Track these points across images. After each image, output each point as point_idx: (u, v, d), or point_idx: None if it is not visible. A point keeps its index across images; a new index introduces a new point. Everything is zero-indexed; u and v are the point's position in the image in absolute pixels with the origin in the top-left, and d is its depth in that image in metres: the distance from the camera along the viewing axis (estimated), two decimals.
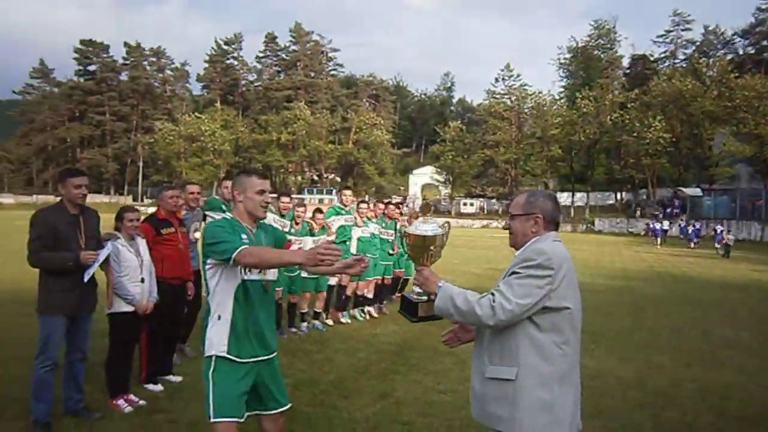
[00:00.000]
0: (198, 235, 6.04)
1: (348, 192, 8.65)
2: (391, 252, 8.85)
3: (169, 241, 5.28)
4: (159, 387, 5.19)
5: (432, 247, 2.55)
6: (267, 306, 2.95)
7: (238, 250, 2.65)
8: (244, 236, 2.82)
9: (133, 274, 4.71)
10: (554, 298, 2.31)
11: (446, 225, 2.71)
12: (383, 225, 8.87)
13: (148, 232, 5.13)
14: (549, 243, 2.42)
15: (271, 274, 2.95)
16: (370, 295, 8.66)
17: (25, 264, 4.29)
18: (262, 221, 3.00)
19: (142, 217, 5.21)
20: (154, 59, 78.41)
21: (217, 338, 2.78)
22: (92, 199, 51.58)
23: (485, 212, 62.99)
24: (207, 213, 6.46)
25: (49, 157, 73.31)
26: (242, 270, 2.79)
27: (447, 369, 6.12)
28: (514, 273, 2.36)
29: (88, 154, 72.61)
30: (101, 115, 73.98)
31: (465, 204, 63.29)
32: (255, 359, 2.83)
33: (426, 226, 2.59)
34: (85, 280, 4.23)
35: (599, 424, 4.55)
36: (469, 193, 65.72)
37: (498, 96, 66.72)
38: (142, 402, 4.76)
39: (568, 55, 77.94)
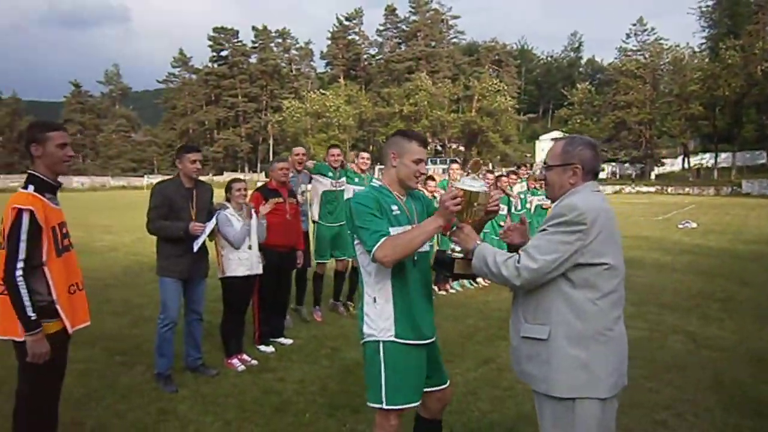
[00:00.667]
0: (301, 199, 6.73)
1: (454, 166, 8.74)
2: (502, 223, 8.86)
3: (277, 211, 5.81)
4: (271, 348, 5.89)
5: (476, 204, 2.60)
6: (423, 280, 2.83)
7: (377, 246, 2.59)
8: (394, 207, 2.78)
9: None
10: (587, 254, 2.31)
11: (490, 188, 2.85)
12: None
13: (258, 200, 5.70)
14: (584, 195, 2.40)
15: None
16: None
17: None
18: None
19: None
20: (280, 40, 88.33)
21: (378, 322, 2.72)
22: (228, 176, 60.74)
23: (617, 177, 64.34)
24: (313, 176, 7.16)
25: (191, 139, 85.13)
26: None
27: None
28: (544, 230, 2.38)
29: (223, 135, 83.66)
30: (234, 98, 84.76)
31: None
32: (422, 341, 2.79)
33: (474, 183, 2.64)
34: (195, 249, 4.84)
35: (715, 398, 4.57)
36: (600, 157, 67.35)
37: (630, 53, 67.31)
38: (254, 362, 5.44)
39: (710, 2, 76.50)
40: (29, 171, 3.08)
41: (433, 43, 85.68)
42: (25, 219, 2.86)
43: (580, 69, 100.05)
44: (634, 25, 68.66)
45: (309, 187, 7.22)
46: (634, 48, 67.62)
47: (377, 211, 2.70)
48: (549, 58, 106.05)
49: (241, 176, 61.44)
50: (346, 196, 7.32)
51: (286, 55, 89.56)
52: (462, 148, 73.34)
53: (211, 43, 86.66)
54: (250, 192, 5.75)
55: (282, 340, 6.20)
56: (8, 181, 55.86)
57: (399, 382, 2.73)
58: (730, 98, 55.42)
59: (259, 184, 6.39)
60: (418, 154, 2.80)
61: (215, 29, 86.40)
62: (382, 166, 3.05)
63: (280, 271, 6.08)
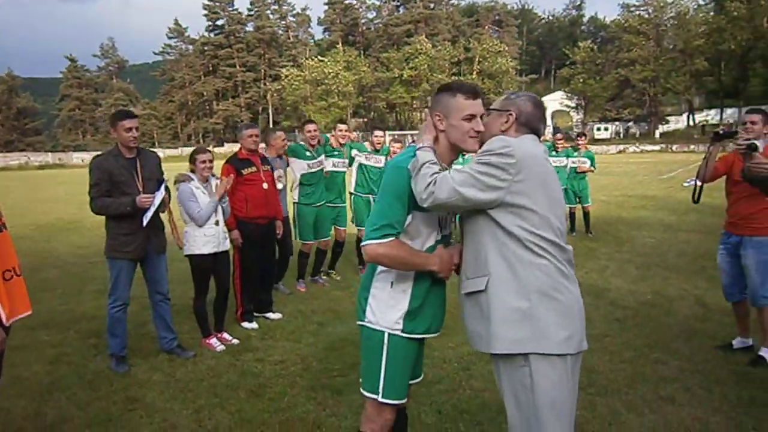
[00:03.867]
0: (279, 184, 6.38)
1: (379, 133, 7.88)
2: None
3: (252, 181, 5.52)
4: (255, 325, 5.59)
5: None
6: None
7: (380, 241, 2.27)
8: None
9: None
10: (516, 194, 2.12)
11: None
12: None
13: (230, 173, 5.33)
14: (518, 140, 2.24)
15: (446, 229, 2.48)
16: None
17: None
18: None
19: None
20: (276, 7, 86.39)
21: (385, 310, 2.40)
22: (230, 148, 60.40)
23: (621, 136, 63.80)
24: (291, 159, 6.85)
25: (190, 111, 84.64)
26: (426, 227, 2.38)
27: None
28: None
29: (222, 106, 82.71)
30: (232, 68, 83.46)
31: (599, 129, 64.10)
32: (429, 335, 2.51)
33: None
34: (144, 223, 4.46)
35: (727, 370, 4.31)
36: (604, 117, 66.39)
37: (633, 8, 65.75)
38: (235, 341, 5.17)
39: None
40: None
41: (432, 5, 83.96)
42: None
43: (583, 27, 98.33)
44: None
45: (287, 171, 6.98)
46: (637, 3, 65.99)
47: (406, 196, 2.29)
48: (550, 17, 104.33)
49: None
50: (326, 169, 7.15)
51: (283, 22, 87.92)
52: None
53: (206, 12, 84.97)
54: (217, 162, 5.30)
55: (270, 314, 5.95)
56: (8, 160, 55.54)
57: (398, 377, 2.46)
58: (735, 52, 55.12)
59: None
60: (469, 108, 2.31)
61: None
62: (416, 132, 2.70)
63: (263, 244, 5.77)
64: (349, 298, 6.56)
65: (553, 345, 2.12)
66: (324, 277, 7.47)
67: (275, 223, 5.96)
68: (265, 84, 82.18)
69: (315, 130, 6.93)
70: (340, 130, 7.52)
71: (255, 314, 5.84)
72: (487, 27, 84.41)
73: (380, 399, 2.44)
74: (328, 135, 7.55)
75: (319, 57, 72.92)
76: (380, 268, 2.42)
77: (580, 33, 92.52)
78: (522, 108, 2.37)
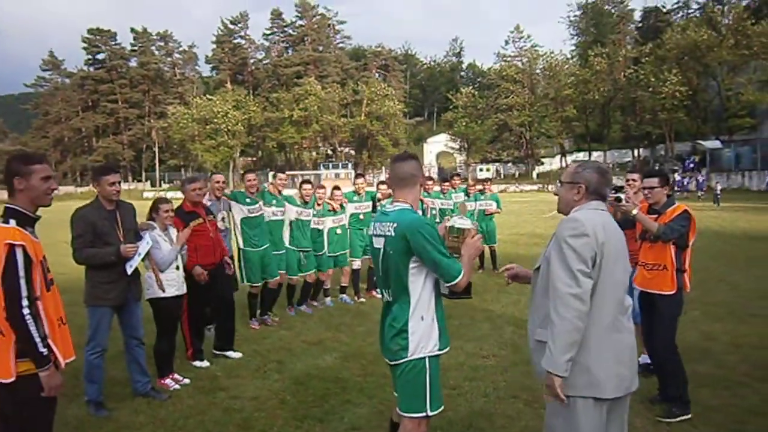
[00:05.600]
0: (222, 225, 6.82)
1: (360, 180, 9.22)
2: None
3: (200, 231, 5.84)
4: (206, 363, 5.93)
5: (465, 237, 3.14)
6: None
7: (463, 274, 2.93)
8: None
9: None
10: (598, 265, 2.60)
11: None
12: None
13: (178, 225, 5.64)
14: (584, 212, 2.72)
15: None
16: None
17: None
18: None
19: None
20: (162, 44, 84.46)
21: (426, 339, 3.00)
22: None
23: (502, 176, 67.46)
24: (232, 202, 7.24)
25: (66, 148, 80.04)
26: None
27: (486, 335, 6.77)
28: (557, 250, 2.64)
29: (103, 143, 78.98)
30: (114, 103, 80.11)
31: (481, 170, 67.11)
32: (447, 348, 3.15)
33: (464, 221, 3.17)
34: (129, 272, 4.77)
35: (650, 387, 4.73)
36: (485, 158, 70.28)
37: (509, 59, 70.86)
38: (186, 380, 5.46)
39: (578, 12, 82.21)
40: (7, 205, 3.00)
41: (320, 48, 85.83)
42: (19, 255, 2.81)
43: (462, 73, 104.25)
44: (512, 32, 72.01)
45: (229, 214, 7.31)
46: (513, 54, 71.23)
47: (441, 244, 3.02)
48: (433, 63, 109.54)
49: (125, 186, 58.37)
50: (266, 218, 7.55)
51: (169, 59, 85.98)
52: (353, 152, 74.21)
53: (86, 45, 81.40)
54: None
55: (231, 353, 6.28)
56: None
57: (438, 390, 3.08)
58: (599, 102, 60.60)
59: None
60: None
61: (90, 30, 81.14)
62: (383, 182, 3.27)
63: (214, 286, 6.08)
64: (297, 337, 7.06)
65: (606, 392, 2.64)
66: (269, 319, 7.80)
67: (224, 262, 6.28)
68: (149, 121, 79.59)
69: (254, 179, 7.39)
70: (280, 179, 7.90)
71: (215, 351, 6.24)
72: (374, 71, 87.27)
73: (429, 413, 3.04)
74: (266, 184, 7.97)
75: (207, 95, 71.86)
76: (411, 308, 3.02)
77: (460, 78, 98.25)
78: (589, 179, 2.80)
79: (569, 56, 70.59)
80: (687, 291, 4.77)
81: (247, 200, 7.27)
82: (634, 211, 4.71)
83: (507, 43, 72.53)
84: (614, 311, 2.67)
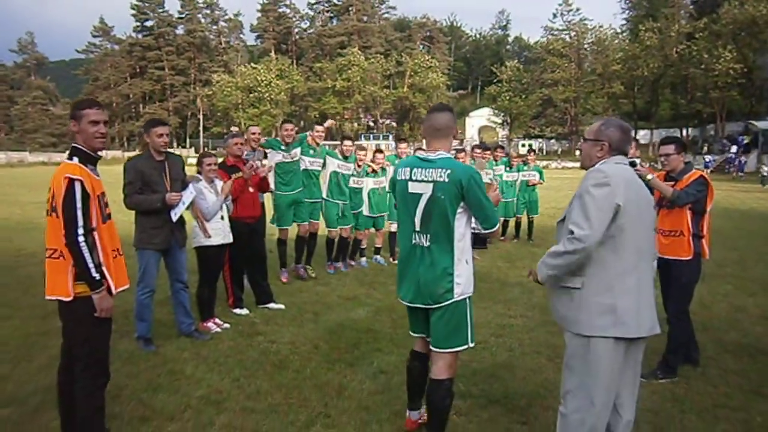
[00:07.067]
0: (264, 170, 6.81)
1: (403, 145, 9.62)
2: None
3: (239, 184, 6.16)
4: (245, 311, 6.35)
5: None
6: None
7: (498, 225, 3.26)
8: None
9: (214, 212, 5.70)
10: (620, 216, 2.75)
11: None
12: None
13: (223, 176, 5.97)
14: (608, 165, 2.87)
15: None
16: None
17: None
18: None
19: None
20: (208, 11, 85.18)
21: (467, 281, 3.27)
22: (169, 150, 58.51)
23: (544, 153, 66.58)
24: (267, 150, 7.63)
25: (114, 113, 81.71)
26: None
27: (516, 297, 7.06)
28: (579, 197, 2.81)
29: (150, 109, 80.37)
30: (160, 70, 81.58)
31: (523, 145, 66.71)
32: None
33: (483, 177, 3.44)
34: (174, 219, 5.12)
35: (662, 346, 4.70)
36: (528, 134, 69.50)
37: (556, 32, 69.57)
38: (227, 325, 5.85)
39: None
40: (73, 144, 3.30)
41: (365, 18, 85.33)
42: (78, 188, 3.11)
43: (508, 47, 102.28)
44: (560, 5, 70.22)
45: (265, 161, 7.53)
46: (560, 27, 69.85)
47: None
48: (478, 35, 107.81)
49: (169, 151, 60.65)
50: (302, 167, 7.87)
51: (215, 27, 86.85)
52: (394, 124, 74.17)
53: (134, 12, 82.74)
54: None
55: (272, 305, 6.61)
56: None
57: (473, 325, 3.39)
58: (648, 78, 58.58)
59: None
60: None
61: None
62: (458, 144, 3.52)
63: (251, 241, 6.43)
64: (332, 292, 7.39)
65: (629, 331, 2.78)
66: (302, 270, 8.14)
67: (263, 224, 6.66)
68: (194, 88, 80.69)
69: (292, 129, 7.75)
70: (318, 131, 8.14)
71: (258, 305, 6.58)
72: (418, 42, 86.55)
73: (470, 344, 3.36)
74: (306, 134, 8.23)
75: (251, 64, 72.44)
76: (456, 252, 3.25)
77: (506, 52, 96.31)
78: (612, 136, 2.98)
79: (619, 31, 68.72)
80: (705, 258, 4.80)
81: (282, 147, 7.60)
82: (649, 176, 4.70)
83: (555, 16, 71.24)
84: (636, 257, 2.81)
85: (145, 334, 5.28)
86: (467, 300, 3.32)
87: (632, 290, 2.79)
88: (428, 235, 3.27)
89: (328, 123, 8.84)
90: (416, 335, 3.56)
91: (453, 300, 3.26)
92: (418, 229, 3.30)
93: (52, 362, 3.56)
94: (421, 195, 3.27)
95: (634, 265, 2.82)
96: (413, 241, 3.35)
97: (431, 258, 3.26)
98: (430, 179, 3.24)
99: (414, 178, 3.31)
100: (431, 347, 3.39)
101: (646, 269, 2.89)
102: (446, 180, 3.19)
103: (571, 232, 2.78)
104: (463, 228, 3.24)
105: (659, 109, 63.75)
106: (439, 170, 3.22)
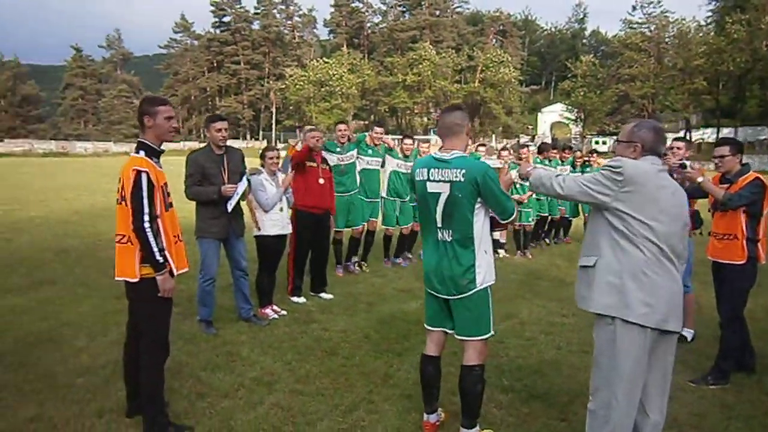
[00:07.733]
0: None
1: (408, 141, 8.78)
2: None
3: (310, 174, 6.45)
4: (302, 299, 6.57)
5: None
6: None
7: (515, 213, 3.40)
8: None
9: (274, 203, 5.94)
10: (621, 202, 2.83)
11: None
12: None
13: (296, 157, 6.36)
14: (635, 161, 2.91)
15: None
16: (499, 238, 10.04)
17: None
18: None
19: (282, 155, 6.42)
20: (282, 7, 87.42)
21: (488, 270, 3.40)
22: (230, 144, 60.55)
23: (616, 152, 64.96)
24: (324, 153, 7.22)
25: (192, 106, 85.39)
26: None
27: (570, 297, 6.41)
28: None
29: (225, 102, 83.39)
30: (236, 65, 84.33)
31: (597, 142, 64.44)
32: None
33: (495, 161, 3.70)
34: (229, 209, 5.33)
35: (715, 352, 4.63)
36: (602, 131, 67.05)
37: (635, 26, 66.88)
38: (284, 312, 6.08)
39: None
40: (140, 139, 3.59)
41: (437, 12, 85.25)
42: (144, 179, 3.40)
43: (584, 41, 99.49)
44: None
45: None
46: (640, 20, 67.07)
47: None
48: (553, 29, 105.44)
49: (243, 144, 61.35)
50: (359, 167, 8.03)
51: (289, 22, 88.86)
52: None
53: (213, 8, 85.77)
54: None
55: (324, 294, 6.83)
56: (12, 146, 55.95)
57: (493, 313, 3.50)
58: (734, 73, 55.72)
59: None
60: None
61: None
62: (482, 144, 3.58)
63: (316, 232, 6.62)
64: (388, 284, 7.57)
65: (635, 316, 2.80)
66: (354, 267, 8.32)
67: (329, 216, 6.81)
68: (268, 82, 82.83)
69: (345, 129, 7.88)
70: (377, 132, 8.35)
71: (312, 293, 6.80)
72: (491, 36, 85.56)
73: (492, 332, 3.48)
74: (366, 134, 8.43)
75: (323, 58, 73.66)
76: (476, 245, 3.37)
77: (582, 46, 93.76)
78: (645, 138, 3.00)
79: (703, 23, 65.15)
80: (761, 262, 4.64)
81: (337, 149, 7.71)
82: (700, 179, 4.62)
83: (634, 8, 68.08)
84: (657, 252, 2.83)
85: (206, 318, 5.59)
86: (488, 289, 3.44)
87: (645, 281, 2.81)
88: (450, 231, 3.40)
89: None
90: (433, 329, 3.65)
91: (476, 290, 3.38)
92: (440, 225, 3.43)
93: (123, 338, 3.88)
94: (439, 194, 3.39)
95: (653, 260, 2.83)
96: (436, 237, 3.47)
97: (454, 252, 3.39)
98: (447, 179, 3.36)
99: (431, 178, 3.42)
100: (457, 336, 3.51)
101: (670, 268, 2.89)
102: (462, 179, 3.30)
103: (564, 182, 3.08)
104: (481, 221, 3.37)
105: (746, 106, 60.33)
106: (455, 170, 3.33)
